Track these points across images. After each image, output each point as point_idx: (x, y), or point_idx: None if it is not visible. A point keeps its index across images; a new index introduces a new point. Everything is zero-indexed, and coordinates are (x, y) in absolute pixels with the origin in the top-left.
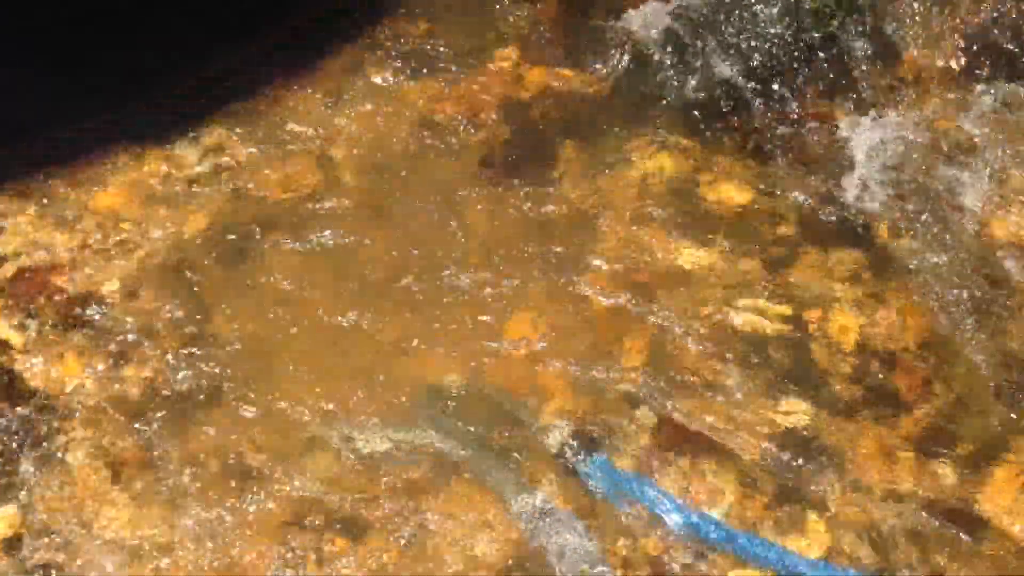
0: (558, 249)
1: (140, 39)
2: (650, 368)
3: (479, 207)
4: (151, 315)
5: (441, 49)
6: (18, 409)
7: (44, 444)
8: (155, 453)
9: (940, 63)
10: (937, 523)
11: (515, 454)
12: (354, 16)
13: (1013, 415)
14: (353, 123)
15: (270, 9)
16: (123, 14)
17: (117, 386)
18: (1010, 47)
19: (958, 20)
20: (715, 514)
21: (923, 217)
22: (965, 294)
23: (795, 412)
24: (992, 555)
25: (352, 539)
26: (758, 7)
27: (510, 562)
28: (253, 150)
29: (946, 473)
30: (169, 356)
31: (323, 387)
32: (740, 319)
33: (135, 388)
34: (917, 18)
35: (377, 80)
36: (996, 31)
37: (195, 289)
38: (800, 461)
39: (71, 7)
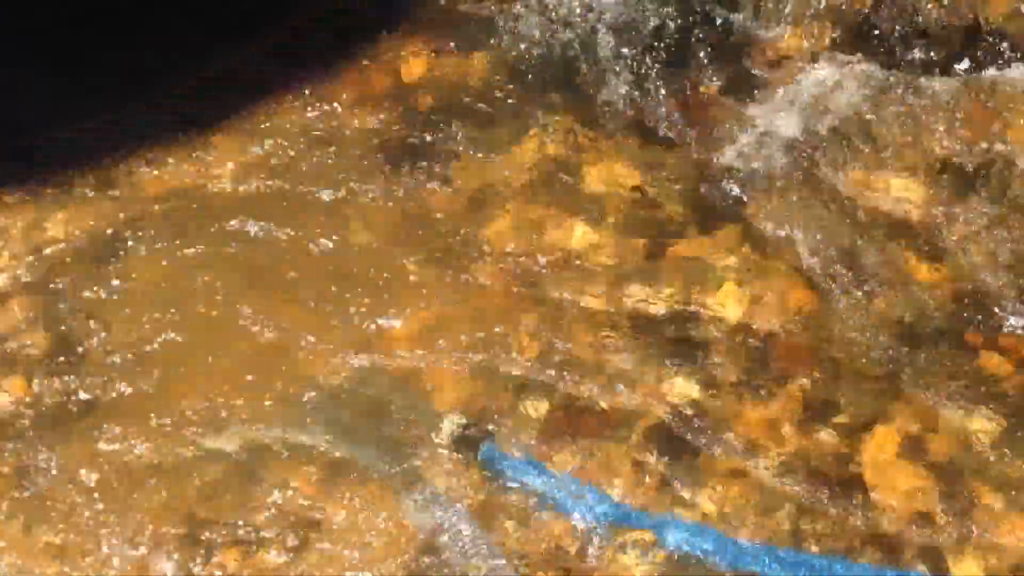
0: (447, 237)
1: (140, 39)
2: (541, 353)
3: (366, 197)
4: (20, 326)
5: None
6: None
7: None
8: (27, 471)
9: (815, 42)
10: (819, 489)
11: (407, 448)
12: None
13: (893, 379)
14: (235, 117)
15: (270, 9)
16: (123, 14)
17: None
18: (884, 27)
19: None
20: (609, 494)
21: (800, 192)
22: (840, 265)
23: (683, 389)
24: (870, 516)
25: (243, 547)
26: None
27: (406, 558)
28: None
29: (829, 438)
30: (38, 372)
31: (205, 391)
32: (628, 300)
33: (6, 403)
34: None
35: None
36: (872, 13)
37: (65, 297)
38: (689, 437)
39: (71, 7)
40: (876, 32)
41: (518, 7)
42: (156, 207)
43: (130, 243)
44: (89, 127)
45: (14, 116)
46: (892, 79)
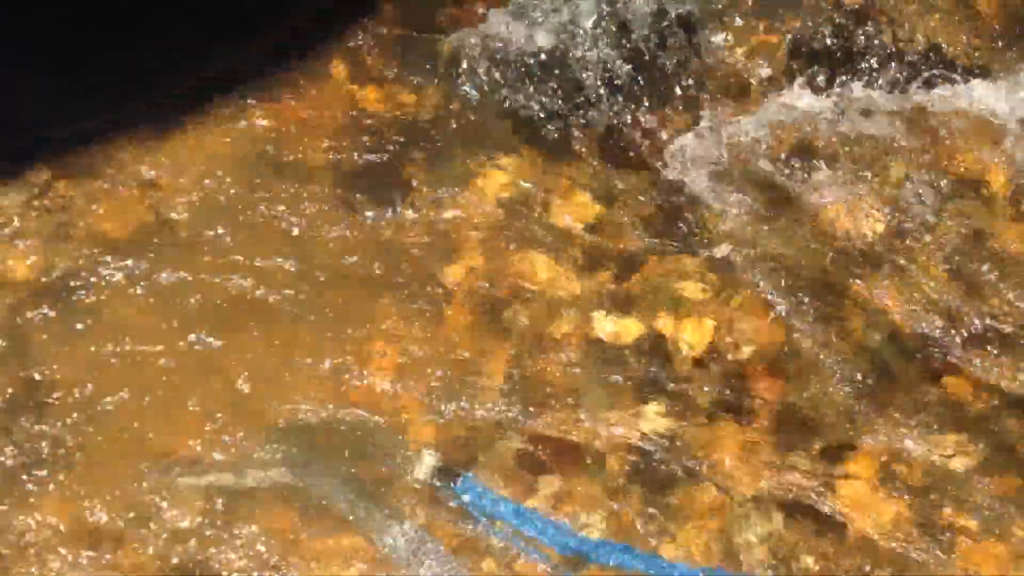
0: (410, 272)
1: (140, 39)
2: (511, 387)
3: (326, 234)
4: None
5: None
6: None
7: None
8: None
9: (767, 70)
10: (795, 520)
11: (380, 487)
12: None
13: (863, 408)
14: (187, 151)
15: (270, 9)
16: (123, 14)
17: None
18: (832, 52)
19: (782, 26)
20: (585, 529)
21: (766, 219)
22: (807, 291)
23: (656, 420)
24: (847, 547)
25: None
26: (589, 21)
27: None
28: (80, 184)
29: (804, 466)
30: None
31: (169, 431)
32: (596, 331)
33: None
34: (740, 27)
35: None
36: (816, 37)
37: (25, 340)
38: (664, 468)
39: (71, 7)
40: (839, 56)
41: (478, 37)
42: (118, 244)
43: (93, 280)
44: (89, 127)
45: (14, 116)
46: (853, 103)
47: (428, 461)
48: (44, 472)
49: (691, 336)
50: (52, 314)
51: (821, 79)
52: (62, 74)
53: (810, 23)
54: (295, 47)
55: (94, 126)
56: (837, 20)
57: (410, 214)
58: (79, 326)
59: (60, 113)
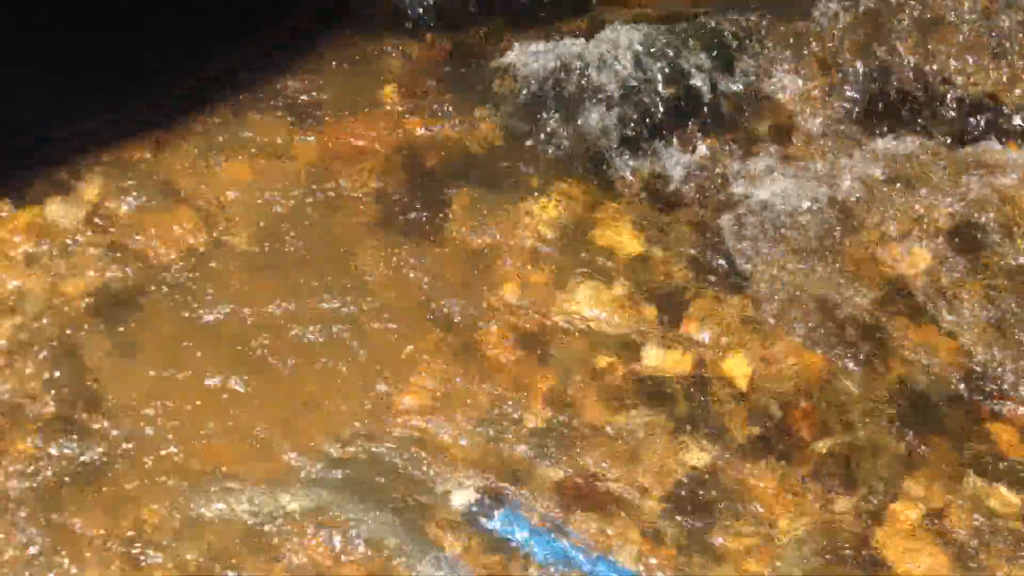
0: (454, 300)
1: (140, 39)
2: (552, 419)
3: (370, 260)
4: (28, 388)
5: (325, 100)
6: None
7: None
8: (28, 534)
9: (811, 108)
10: (836, 563)
11: (417, 516)
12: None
13: (906, 451)
14: (239, 177)
15: (270, 9)
16: (123, 14)
17: None
18: (891, 96)
19: (825, 69)
20: (624, 564)
21: (808, 258)
22: (850, 333)
23: (696, 457)
24: None
25: None
26: (638, 54)
27: None
28: (132, 207)
29: (845, 508)
30: (46, 435)
31: (213, 454)
32: (638, 366)
33: (9, 465)
34: (792, 73)
35: (262, 132)
36: (867, 84)
37: (77, 356)
38: (704, 505)
39: (71, 7)
40: (880, 100)
41: (527, 69)
42: (166, 269)
43: (141, 303)
44: (89, 127)
45: (14, 116)
46: (896, 147)
47: (466, 492)
48: (87, 485)
49: (733, 373)
50: (103, 333)
51: (870, 125)
52: (62, 74)
53: (862, 70)
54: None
55: (94, 126)
56: (889, 67)
57: (453, 244)
58: (128, 346)
59: (60, 113)
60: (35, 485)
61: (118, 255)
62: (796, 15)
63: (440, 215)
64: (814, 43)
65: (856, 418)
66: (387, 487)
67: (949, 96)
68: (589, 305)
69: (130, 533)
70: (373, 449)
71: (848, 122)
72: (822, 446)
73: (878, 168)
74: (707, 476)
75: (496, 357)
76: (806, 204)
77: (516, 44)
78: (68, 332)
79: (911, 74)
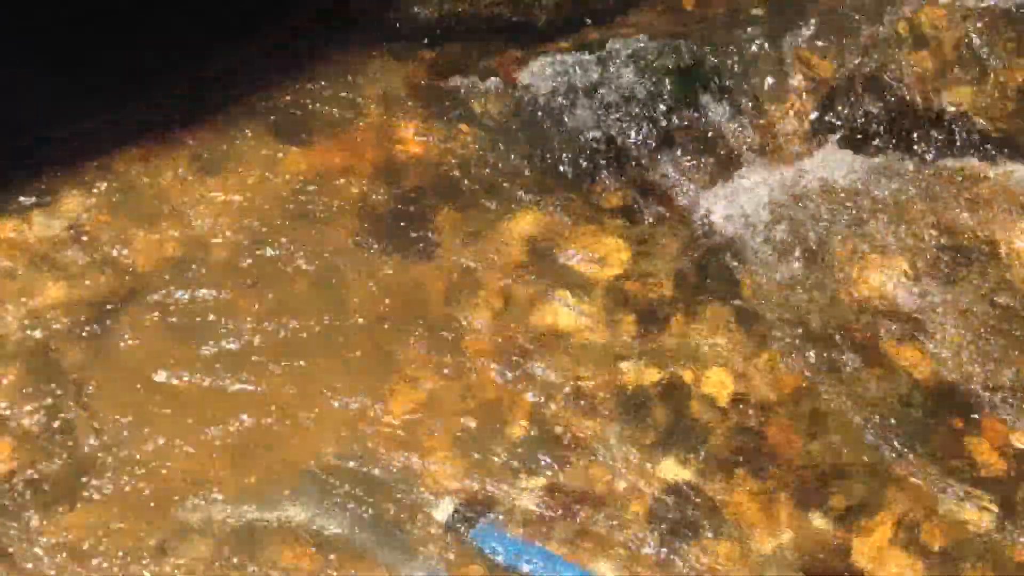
0: (435, 316)
1: (140, 39)
2: (533, 432)
3: (354, 274)
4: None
5: (312, 114)
6: None
7: None
8: (15, 547)
9: (794, 128)
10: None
11: (403, 526)
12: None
13: (883, 464)
14: (225, 189)
15: (270, 9)
16: (123, 14)
17: None
18: (864, 116)
19: (808, 89)
20: (605, 574)
21: (789, 274)
22: (832, 347)
23: (676, 471)
24: None
25: None
26: (622, 73)
27: None
28: (115, 218)
29: (822, 524)
30: (26, 442)
31: (196, 466)
32: (619, 379)
33: None
34: (770, 87)
35: (249, 145)
36: (849, 101)
37: (58, 366)
38: (683, 519)
39: (71, 7)
40: (871, 120)
41: (513, 88)
42: (151, 281)
43: (122, 314)
44: (89, 127)
45: (14, 116)
46: (879, 165)
47: (448, 504)
48: (75, 494)
49: (714, 387)
50: (86, 342)
51: (853, 142)
52: (62, 74)
53: (844, 87)
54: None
55: (94, 126)
56: (871, 85)
57: (437, 260)
58: (111, 355)
59: (60, 113)
60: (15, 496)
61: (101, 266)
62: (784, 34)
63: (424, 231)
64: (800, 62)
65: (834, 433)
66: (370, 499)
67: (931, 113)
68: (571, 319)
69: (110, 543)
70: (356, 461)
71: (832, 140)
72: (800, 461)
73: (861, 186)
74: (686, 490)
75: (478, 371)
76: (788, 221)
77: (503, 61)
78: (48, 342)
79: (895, 92)
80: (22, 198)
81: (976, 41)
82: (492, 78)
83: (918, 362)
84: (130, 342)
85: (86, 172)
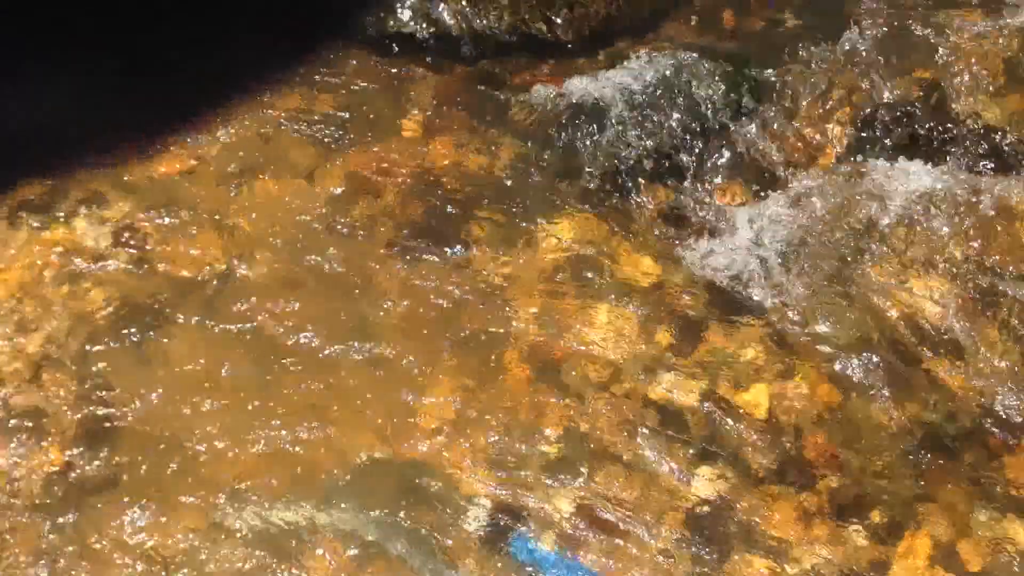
0: (473, 323)
1: (140, 39)
2: (567, 444)
3: (391, 283)
4: (54, 399)
5: (350, 125)
6: None
7: None
8: (53, 545)
9: (833, 143)
10: None
11: (434, 533)
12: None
13: (920, 481)
14: (265, 197)
15: (270, 9)
16: (123, 14)
17: (14, 475)
18: (899, 132)
19: (847, 104)
20: None
21: (824, 290)
22: (868, 365)
23: (711, 484)
24: None
25: None
26: (658, 87)
27: None
28: (158, 224)
29: (860, 541)
30: (71, 443)
31: (233, 467)
32: (654, 392)
33: (36, 476)
34: (808, 102)
35: (289, 154)
36: (884, 117)
37: (103, 370)
38: (717, 535)
39: (71, 7)
40: (906, 137)
41: (548, 100)
42: (190, 287)
43: (164, 320)
44: (89, 127)
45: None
46: (916, 181)
47: (481, 513)
48: (114, 494)
49: (748, 403)
50: (130, 346)
51: (891, 158)
52: (62, 74)
53: (883, 103)
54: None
55: (94, 126)
56: (910, 101)
57: (472, 268)
58: (153, 360)
59: (60, 113)
60: (60, 494)
61: (143, 272)
62: (823, 50)
63: (460, 241)
64: (836, 76)
65: (871, 451)
66: (404, 508)
67: (973, 130)
68: (605, 331)
69: (148, 545)
70: (390, 469)
71: (871, 157)
72: (837, 478)
73: (897, 203)
74: (721, 505)
75: (513, 381)
76: (825, 237)
77: (538, 75)
78: (93, 346)
79: (935, 108)
80: (69, 204)
81: (1021, 58)
82: (528, 91)
83: (955, 379)
84: (171, 347)
85: (131, 179)
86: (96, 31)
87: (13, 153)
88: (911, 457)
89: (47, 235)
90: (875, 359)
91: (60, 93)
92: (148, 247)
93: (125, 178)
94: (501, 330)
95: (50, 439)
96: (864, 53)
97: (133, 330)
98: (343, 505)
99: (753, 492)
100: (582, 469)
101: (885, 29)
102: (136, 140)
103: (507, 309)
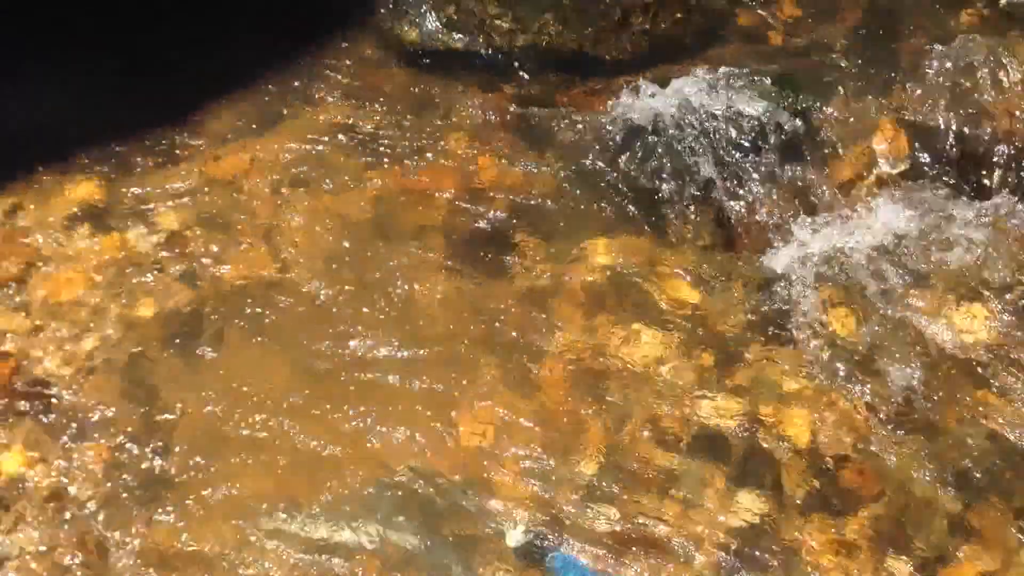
0: (514, 339)
1: (140, 39)
2: (606, 463)
3: (432, 297)
4: (102, 403)
5: (396, 139)
6: None
7: None
8: (101, 546)
9: (881, 168)
10: None
11: (470, 551)
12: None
13: (965, 512)
14: (314, 206)
15: (270, 9)
16: (123, 14)
17: (62, 476)
18: (953, 152)
19: (897, 128)
20: None
21: (869, 315)
22: (910, 394)
23: (750, 508)
24: None
25: None
26: (708, 110)
27: None
28: (206, 234)
29: (902, 571)
30: (117, 447)
31: (275, 477)
32: (694, 414)
33: (84, 478)
34: (856, 125)
35: (338, 165)
36: (934, 131)
37: (151, 376)
38: (756, 558)
39: (71, 7)
40: (950, 162)
41: (593, 119)
42: (238, 296)
43: (210, 327)
44: (90, 128)
45: (14, 117)
46: (965, 210)
47: (518, 530)
48: (159, 502)
49: (790, 428)
50: (177, 353)
51: (939, 186)
52: (62, 75)
53: (931, 130)
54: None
55: (95, 127)
56: (957, 129)
57: (515, 284)
58: (199, 368)
59: (60, 114)
60: (105, 496)
61: (192, 280)
62: (871, 73)
63: (503, 257)
64: (886, 99)
65: (912, 479)
66: (441, 521)
67: (1020, 159)
68: (646, 351)
69: (190, 549)
70: (428, 483)
71: (917, 183)
72: (877, 505)
73: (945, 230)
74: (760, 531)
75: (553, 398)
76: (868, 262)
77: (583, 94)
78: (142, 352)
79: (982, 137)
80: (121, 212)
81: None
82: (574, 110)
83: (1001, 411)
84: (217, 356)
85: (183, 187)
86: (96, 31)
87: (13, 153)
88: (956, 487)
89: (103, 242)
90: (920, 389)
91: (60, 93)
92: (197, 256)
93: (177, 190)
94: (542, 346)
95: (96, 442)
96: (917, 76)
97: (181, 339)
98: (379, 519)
99: (793, 518)
100: (621, 488)
101: (940, 51)
102: (186, 148)
103: (548, 325)
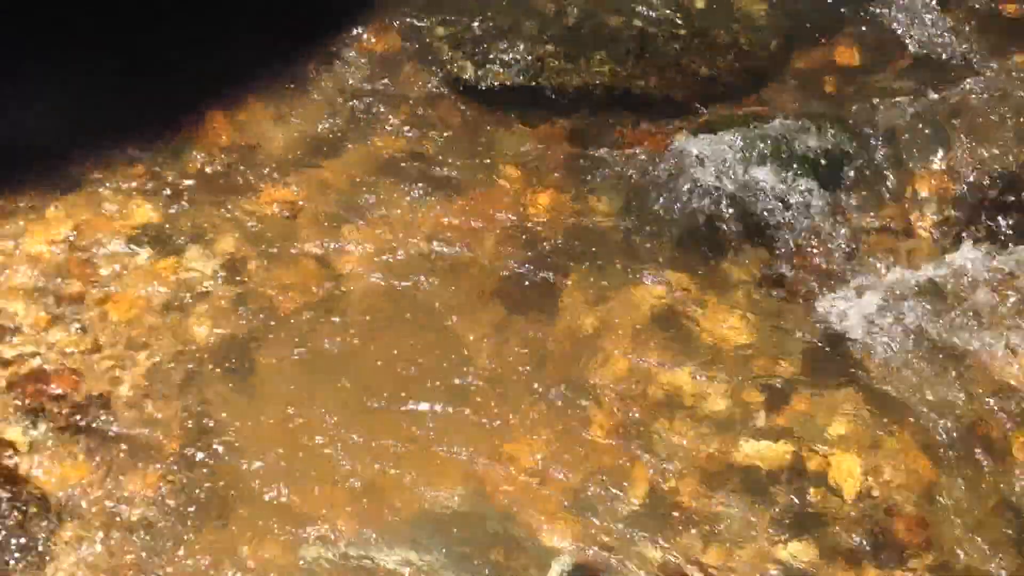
0: (560, 375)
1: (140, 39)
2: (650, 502)
3: (482, 330)
4: (156, 423)
5: (449, 171)
6: (15, 513)
7: (34, 544)
8: (148, 566)
9: (935, 215)
10: None
11: None
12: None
13: (1015, 565)
14: (367, 236)
15: (270, 9)
16: (123, 14)
17: (116, 494)
18: (1005, 195)
19: (953, 175)
20: None
21: (920, 361)
22: (962, 440)
23: (795, 554)
24: None
25: None
26: (756, 153)
27: None
28: (263, 259)
29: None
30: (170, 467)
31: (322, 504)
32: (741, 455)
33: (135, 497)
34: (911, 166)
35: (392, 195)
36: (989, 179)
37: (204, 400)
38: None
39: (71, 7)
40: (1004, 203)
41: (646, 158)
42: (288, 321)
43: (262, 351)
44: (91, 128)
45: (14, 117)
46: (1017, 258)
47: (563, 563)
48: (204, 520)
49: (838, 473)
50: (230, 377)
51: (993, 234)
52: (62, 75)
53: (987, 178)
54: None
55: (96, 127)
56: (1014, 177)
57: (563, 321)
58: (252, 393)
59: (60, 115)
60: (154, 516)
61: (246, 304)
62: (925, 118)
63: (552, 291)
64: (942, 147)
65: (967, 529)
66: (484, 552)
67: None
68: (694, 388)
69: (233, 573)
70: (472, 513)
71: (971, 231)
72: (930, 556)
73: (1001, 278)
74: (805, 575)
75: (598, 432)
76: (923, 310)
77: (636, 133)
78: (196, 373)
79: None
80: (180, 237)
81: None
82: (628, 149)
83: None
84: (268, 380)
85: (239, 212)
86: (96, 31)
87: (13, 153)
88: (1011, 537)
89: (161, 263)
90: (972, 436)
91: (60, 93)
92: (251, 280)
93: (235, 215)
94: (589, 380)
95: (148, 462)
96: (974, 124)
97: (233, 362)
98: (426, 546)
99: (840, 566)
100: (665, 525)
101: (994, 96)
102: (241, 172)
103: (595, 360)
